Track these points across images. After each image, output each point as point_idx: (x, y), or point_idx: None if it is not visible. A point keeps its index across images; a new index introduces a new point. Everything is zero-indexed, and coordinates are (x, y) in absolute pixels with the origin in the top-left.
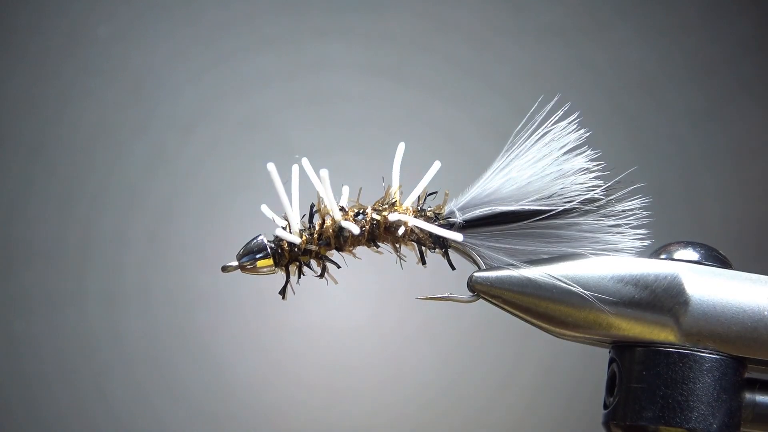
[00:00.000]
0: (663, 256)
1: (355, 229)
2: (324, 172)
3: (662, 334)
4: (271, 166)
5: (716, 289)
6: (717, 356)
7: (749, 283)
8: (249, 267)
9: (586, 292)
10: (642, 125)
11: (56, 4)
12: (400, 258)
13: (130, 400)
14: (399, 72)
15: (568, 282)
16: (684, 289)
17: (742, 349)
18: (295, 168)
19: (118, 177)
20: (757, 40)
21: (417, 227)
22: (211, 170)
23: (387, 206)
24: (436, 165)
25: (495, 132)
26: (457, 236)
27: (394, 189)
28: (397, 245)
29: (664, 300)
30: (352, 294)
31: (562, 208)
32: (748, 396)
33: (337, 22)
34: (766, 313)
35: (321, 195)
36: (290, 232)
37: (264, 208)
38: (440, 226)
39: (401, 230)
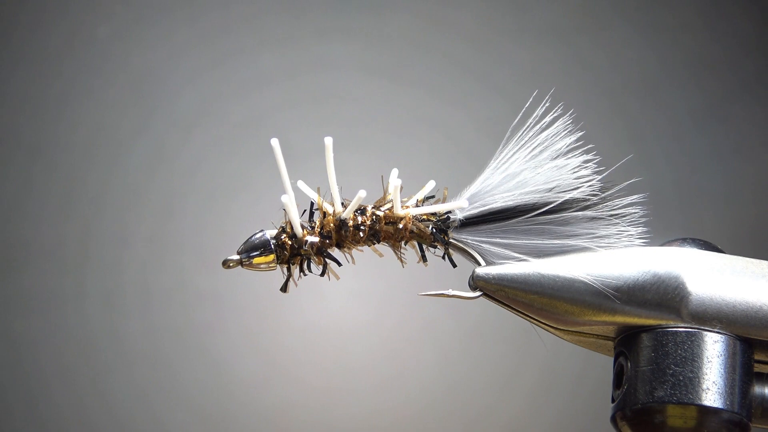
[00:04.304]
0: None
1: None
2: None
3: (669, 316)
4: (274, 142)
5: (721, 270)
6: (725, 335)
7: (753, 266)
8: (251, 262)
9: (588, 276)
10: (641, 125)
11: (56, 4)
12: (400, 259)
13: (129, 400)
14: (399, 72)
15: (570, 271)
16: (690, 271)
17: (748, 330)
18: (325, 144)
19: (118, 177)
20: (757, 39)
21: (417, 219)
22: (211, 170)
23: (386, 208)
24: (430, 184)
25: (494, 132)
26: (462, 203)
27: (394, 184)
28: (398, 242)
29: (669, 283)
30: (352, 294)
31: (561, 199)
32: (757, 390)
33: (337, 22)
34: None
35: (331, 181)
36: (292, 233)
37: (300, 184)
38: (438, 224)
39: (402, 222)
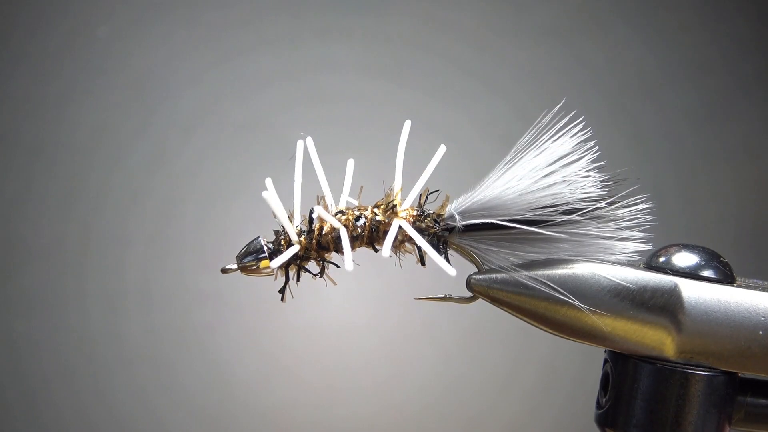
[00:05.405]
0: (662, 259)
1: (349, 263)
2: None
3: (656, 350)
4: (268, 182)
5: (713, 307)
6: (709, 373)
7: (747, 301)
8: (249, 269)
9: (583, 306)
10: (640, 125)
11: (56, 4)
12: (400, 259)
13: (130, 400)
14: (399, 72)
15: (566, 294)
16: (680, 306)
17: (734, 366)
18: (299, 144)
19: (118, 177)
20: (756, 40)
21: (419, 221)
22: (211, 171)
23: (388, 209)
24: (442, 149)
25: (494, 132)
26: (451, 271)
27: (398, 175)
28: (397, 245)
29: (659, 317)
30: (352, 294)
31: (560, 220)
32: (739, 398)
33: (337, 22)
34: (760, 332)
35: (324, 193)
36: (289, 240)
37: (265, 194)
38: (439, 230)
39: (399, 235)
